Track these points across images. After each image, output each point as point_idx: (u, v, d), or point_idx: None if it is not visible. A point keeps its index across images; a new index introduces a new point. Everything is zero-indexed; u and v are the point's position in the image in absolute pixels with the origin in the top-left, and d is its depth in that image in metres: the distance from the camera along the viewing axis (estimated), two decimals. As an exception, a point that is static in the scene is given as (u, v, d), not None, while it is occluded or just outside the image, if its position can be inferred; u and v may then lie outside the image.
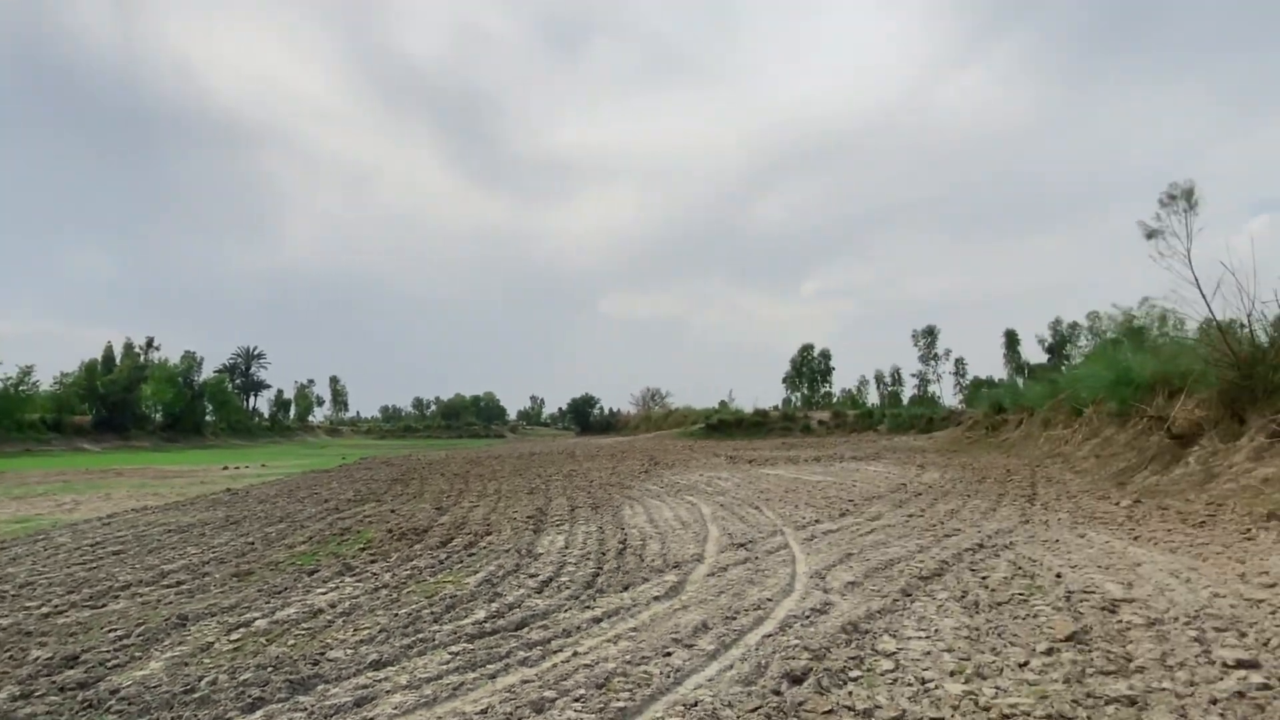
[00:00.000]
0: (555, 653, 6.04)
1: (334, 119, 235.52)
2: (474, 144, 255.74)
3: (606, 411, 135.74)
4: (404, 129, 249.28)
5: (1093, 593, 7.28)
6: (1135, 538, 10.25)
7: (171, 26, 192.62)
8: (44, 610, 7.89)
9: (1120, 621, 6.36)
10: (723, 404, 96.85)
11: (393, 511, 15.80)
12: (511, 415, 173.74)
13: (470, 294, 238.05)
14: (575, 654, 5.98)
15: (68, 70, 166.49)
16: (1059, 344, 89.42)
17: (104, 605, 8.15)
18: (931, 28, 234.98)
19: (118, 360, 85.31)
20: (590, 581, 8.62)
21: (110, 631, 7.03)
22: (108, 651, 6.37)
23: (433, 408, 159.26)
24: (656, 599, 7.76)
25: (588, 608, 7.45)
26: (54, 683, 5.61)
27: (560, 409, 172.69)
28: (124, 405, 78.20)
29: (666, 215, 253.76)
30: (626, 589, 8.23)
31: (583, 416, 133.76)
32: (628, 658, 5.83)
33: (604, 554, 10.34)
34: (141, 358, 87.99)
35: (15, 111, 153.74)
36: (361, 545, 11.67)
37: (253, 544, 12.06)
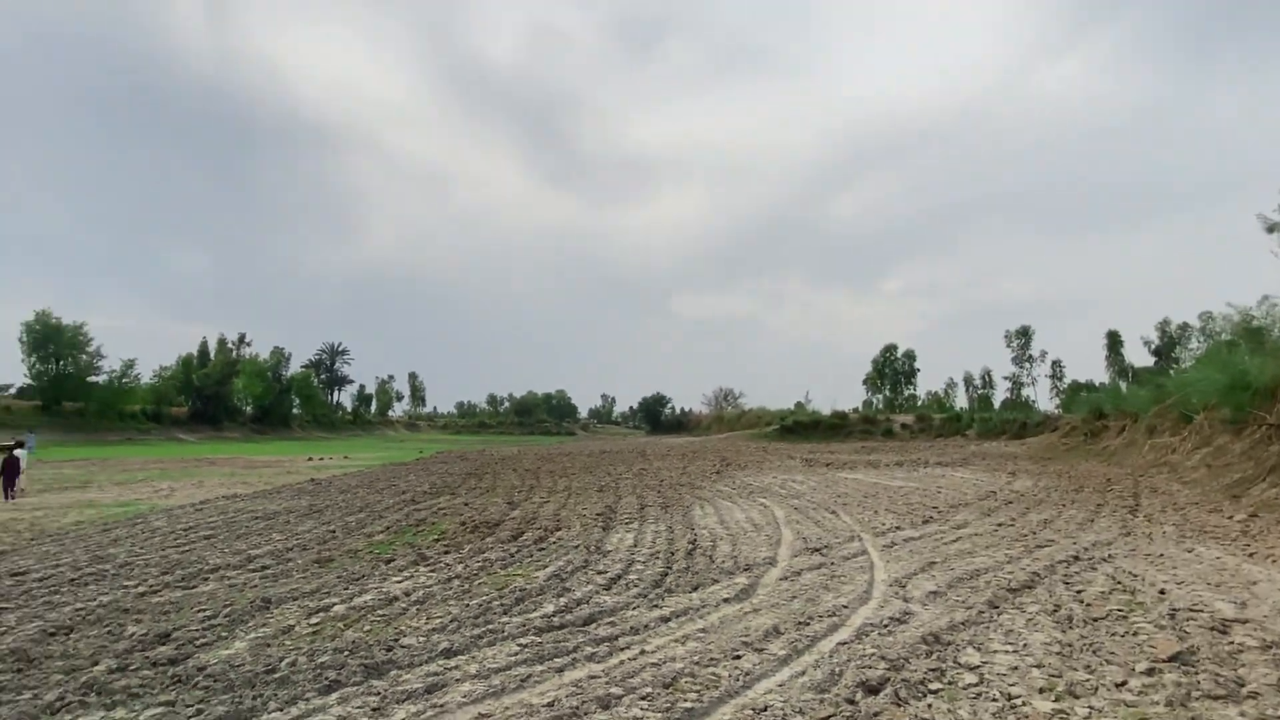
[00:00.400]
0: (622, 650, 6.06)
1: (413, 122, 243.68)
2: (548, 144, 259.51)
3: (678, 411, 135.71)
4: (480, 130, 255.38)
5: (1201, 611, 6.77)
6: (1250, 554, 9.48)
7: (262, 35, 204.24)
8: (140, 589, 8.49)
9: (1232, 643, 5.88)
10: (799, 405, 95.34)
11: (466, 504, 16.25)
12: (582, 413, 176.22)
13: (543, 293, 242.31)
14: (642, 652, 5.99)
15: (166, 81, 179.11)
16: (1167, 346, 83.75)
17: (194, 586, 8.71)
18: (1027, 13, 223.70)
19: (212, 355, 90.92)
20: (659, 580, 8.62)
21: (199, 611, 7.49)
22: (197, 630, 6.79)
23: (506, 404, 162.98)
24: (726, 601, 7.69)
25: (656, 606, 7.45)
26: (147, 658, 6.01)
27: (631, 408, 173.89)
28: (217, 398, 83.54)
29: (741, 212, 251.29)
30: (695, 589, 8.18)
31: (653, 416, 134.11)
32: (696, 658, 5.79)
33: (673, 553, 10.32)
34: (234, 353, 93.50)
35: (121, 122, 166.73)
36: (436, 536, 12.06)
37: (334, 532, 12.65)
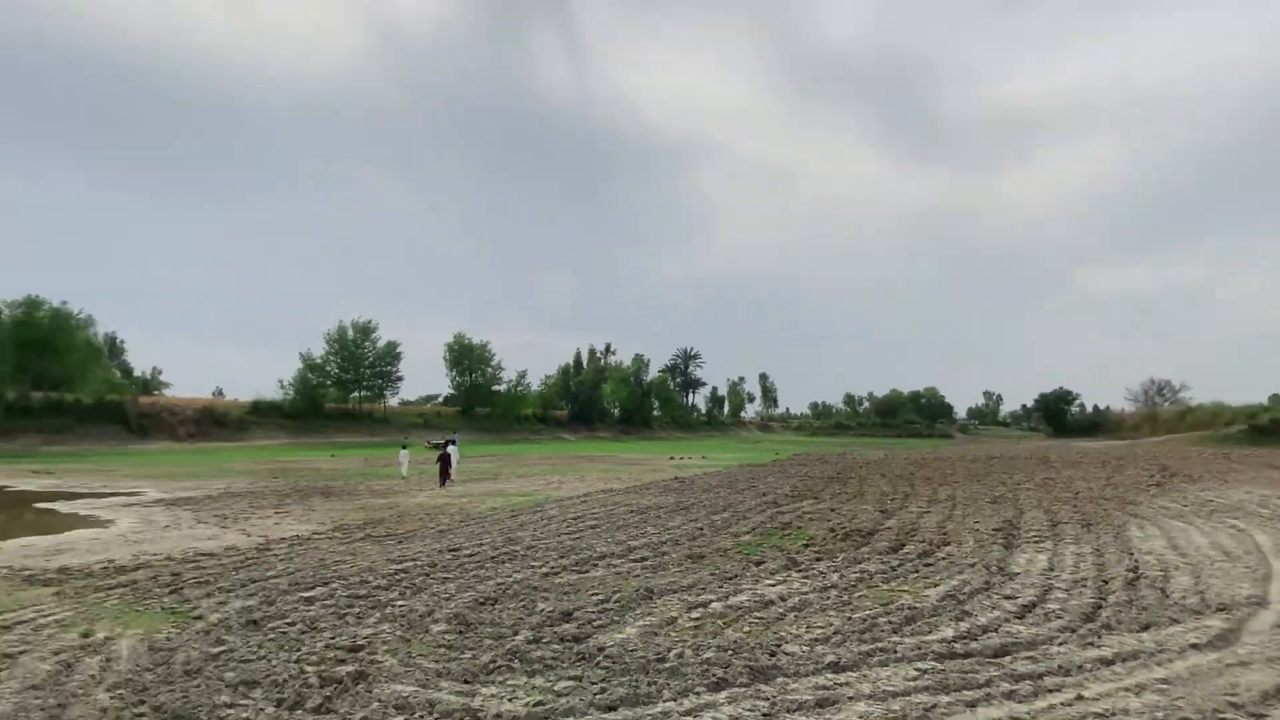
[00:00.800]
0: (1050, 691, 5.31)
1: (755, 122, 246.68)
2: (903, 118, 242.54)
3: (1089, 409, 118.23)
4: (825, 117, 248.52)
5: None
6: None
7: (616, 67, 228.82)
8: (544, 570, 10.00)
9: None
10: (1276, 399, 75.90)
11: (832, 510, 16.15)
12: (959, 413, 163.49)
13: (904, 281, 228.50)
14: (1080, 698, 5.16)
15: (538, 126, 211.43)
16: None
17: (587, 571, 9.99)
18: None
19: (585, 364, 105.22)
20: (1090, 614, 7.44)
21: (593, 595, 8.53)
22: (593, 612, 7.73)
23: (865, 404, 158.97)
24: (1195, 647, 6.30)
25: (1090, 645, 6.41)
26: (556, 633, 7.01)
27: (1023, 406, 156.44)
28: (590, 402, 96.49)
29: (1169, 160, 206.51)
30: (1146, 629, 6.88)
31: (1055, 415, 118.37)
32: (1160, 714, 4.81)
33: (1106, 582, 8.86)
34: (601, 361, 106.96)
35: (507, 166, 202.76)
36: (804, 541, 12.15)
37: (702, 530, 13.54)
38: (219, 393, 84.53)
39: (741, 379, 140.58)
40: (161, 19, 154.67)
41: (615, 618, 7.56)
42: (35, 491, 23.65)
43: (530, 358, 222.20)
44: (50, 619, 7.76)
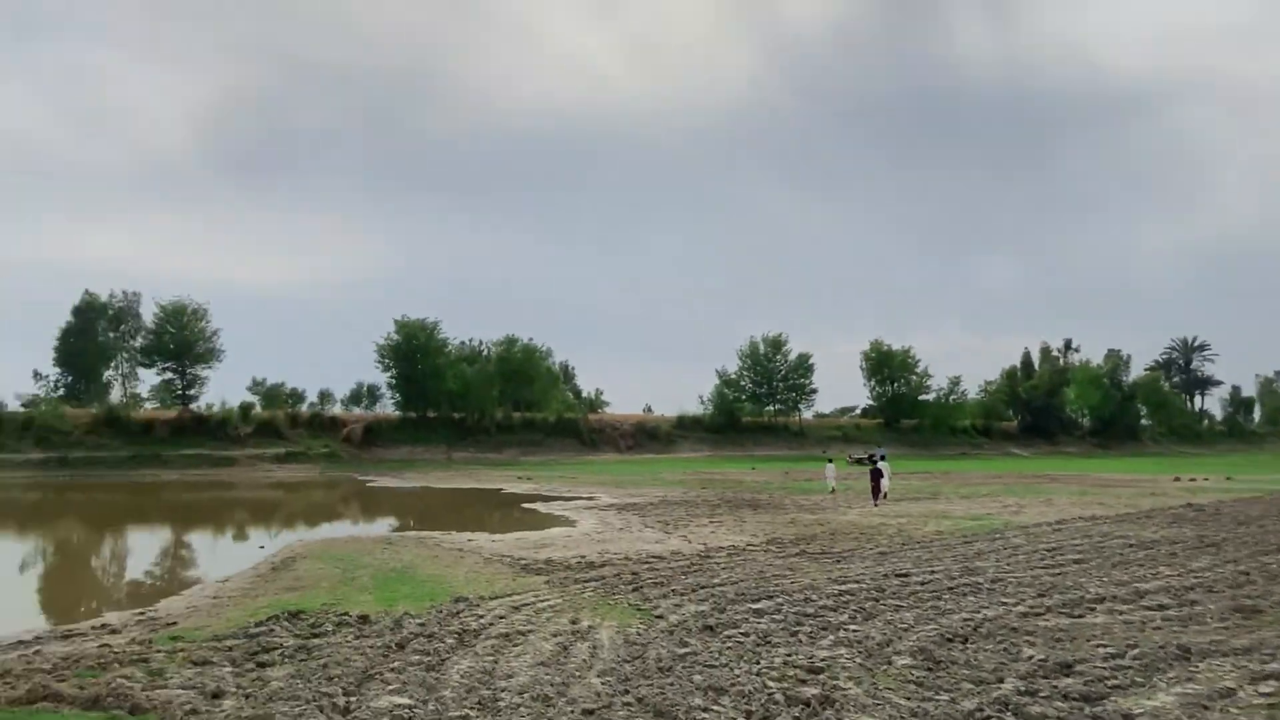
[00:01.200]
0: None
1: (1263, 37, 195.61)
2: None
3: None
4: None
5: None
6: None
7: (1051, 9, 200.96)
8: (1020, 609, 9.03)
9: None
10: None
11: None
12: None
13: None
14: None
15: (959, 97, 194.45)
16: None
17: (1080, 615, 8.78)
18: None
19: (1036, 366, 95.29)
20: None
21: (1098, 646, 7.39)
22: (1103, 668, 6.64)
23: None
24: None
25: None
26: (1055, 688, 6.13)
27: None
28: (1048, 410, 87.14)
29: None
30: None
31: None
32: None
33: None
34: (1060, 361, 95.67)
35: (920, 151, 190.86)
36: None
37: (1247, 574, 11.23)
38: (648, 409, 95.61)
39: (1278, 374, 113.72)
40: (583, 91, 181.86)
41: (1138, 678, 6.39)
42: (521, 494, 30.30)
43: (964, 362, 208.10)
44: (546, 604, 9.52)
